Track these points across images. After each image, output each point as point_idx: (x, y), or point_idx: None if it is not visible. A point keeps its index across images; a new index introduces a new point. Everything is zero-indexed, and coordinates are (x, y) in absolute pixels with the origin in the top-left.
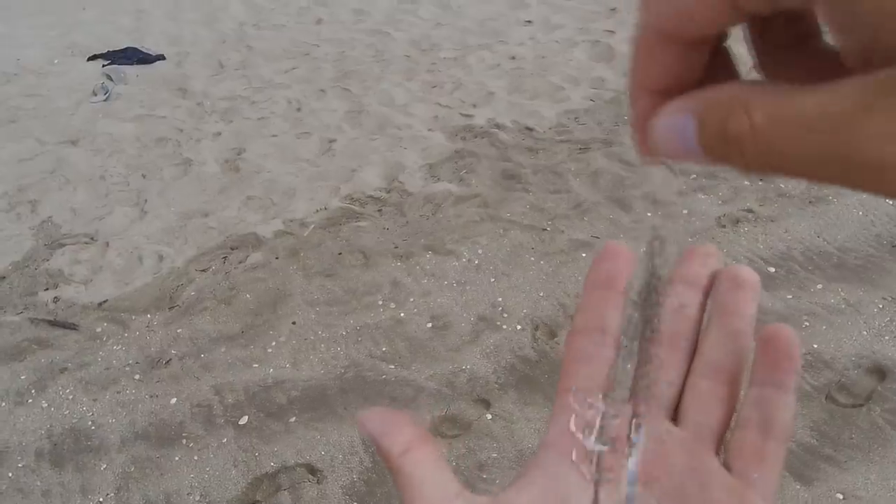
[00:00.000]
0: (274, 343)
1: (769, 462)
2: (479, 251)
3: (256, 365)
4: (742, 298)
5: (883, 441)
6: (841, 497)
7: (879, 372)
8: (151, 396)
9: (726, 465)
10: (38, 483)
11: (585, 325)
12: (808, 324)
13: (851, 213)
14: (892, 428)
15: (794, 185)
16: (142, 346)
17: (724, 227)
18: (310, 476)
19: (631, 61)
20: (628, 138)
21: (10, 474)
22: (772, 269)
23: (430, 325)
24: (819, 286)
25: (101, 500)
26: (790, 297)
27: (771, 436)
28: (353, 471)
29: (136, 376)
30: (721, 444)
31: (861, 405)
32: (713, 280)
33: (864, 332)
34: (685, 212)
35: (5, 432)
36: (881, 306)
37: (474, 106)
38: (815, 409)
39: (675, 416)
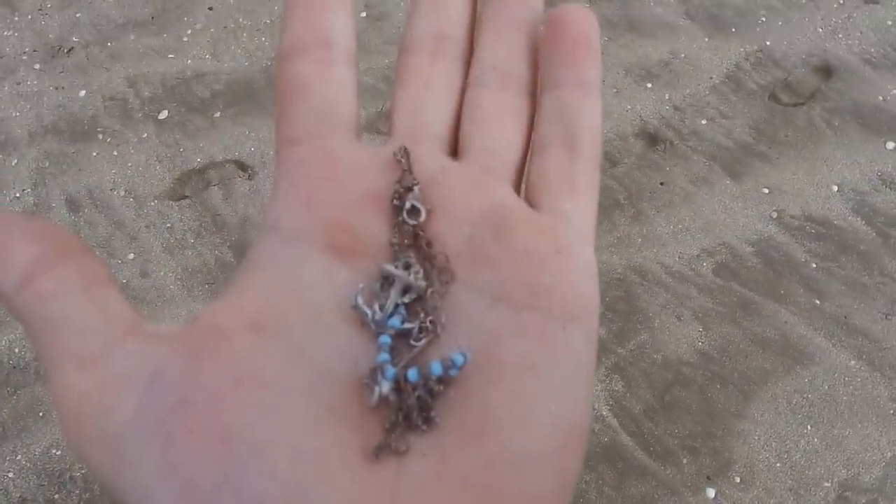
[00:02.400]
0: (190, 31)
1: (582, 187)
2: None
3: (172, 55)
4: None
5: (816, 139)
6: (766, 191)
7: (826, 70)
8: (57, 88)
9: (529, 201)
10: None
11: (300, 41)
12: (764, 19)
13: None
14: (827, 126)
15: None
16: (37, 32)
17: None
18: (240, 172)
19: None
20: None
21: None
22: None
23: (364, 14)
24: None
25: (17, 195)
26: None
27: (579, 153)
28: None
29: (36, 66)
30: (520, 174)
31: (802, 104)
32: None
33: (820, 30)
34: None
35: None
36: (842, 1)
37: None
38: (756, 108)
39: (454, 146)
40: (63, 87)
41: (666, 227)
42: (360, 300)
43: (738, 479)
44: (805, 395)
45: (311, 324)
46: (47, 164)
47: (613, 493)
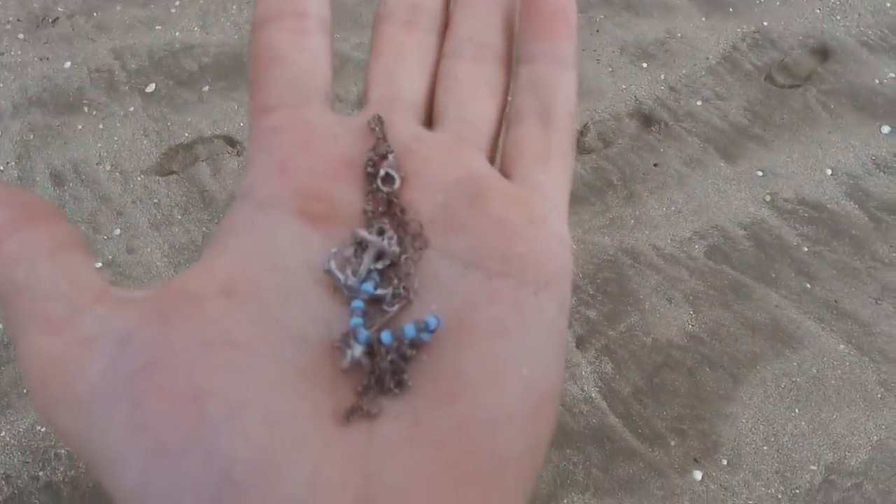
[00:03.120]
0: (178, 2)
1: (555, 159)
2: None
3: (159, 27)
4: None
5: (812, 122)
6: (760, 174)
7: (823, 52)
8: (41, 59)
9: (504, 172)
10: None
11: (275, 9)
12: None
13: None
14: (823, 109)
15: None
16: (21, 1)
17: None
18: (229, 148)
19: None
20: None
21: None
22: None
23: None
24: None
25: (0, 168)
26: None
27: (553, 126)
28: None
29: (20, 36)
30: (494, 144)
31: (798, 86)
32: None
33: (818, 11)
34: None
35: None
36: None
37: None
38: (752, 89)
39: (428, 116)
40: (48, 59)
41: (659, 209)
42: (333, 265)
43: (725, 462)
44: (793, 379)
45: (284, 289)
46: (32, 136)
47: (601, 473)
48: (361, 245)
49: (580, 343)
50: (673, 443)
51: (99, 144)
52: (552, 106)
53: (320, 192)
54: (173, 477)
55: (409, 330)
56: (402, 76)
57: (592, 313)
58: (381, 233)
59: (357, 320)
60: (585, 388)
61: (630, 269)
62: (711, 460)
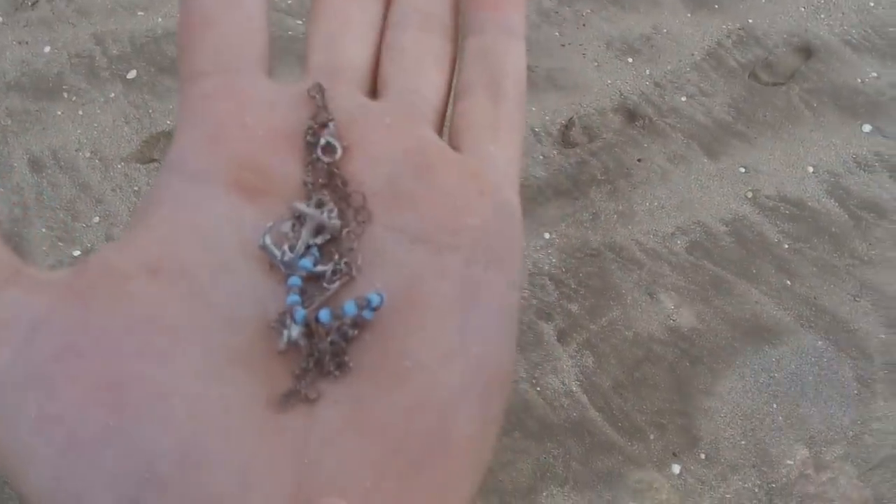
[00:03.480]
0: None
1: (506, 131)
2: None
3: (142, 13)
4: None
5: (794, 119)
6: (743, 170)
7: (807, 51)
8: (20, 43)
9: (453, 145)
10: None
11: None
12: None
13: None
14: (805, 107)
15: None
16: None
17: None
18: None
19: None
20: None
21: None
22: None
23: None
24: None
25: None
26: None
27: (503, 97)
28: None
29: None
30: (442, 117)
31: (782, 84)
32: None
33: (802, 9)
34: None
35: None
36: None
37: None
38: (736, 86)
39: (372, 88)
40: (27, 42)
41: (642, 204)
42: (269, 240)
43: (703, 456)
44: (772, 374)
45: (215, 266)
46: (9, 121)
47: (580, 467)
48: (299, 219)
49: (561, 337)
50: (652, 437)
51: (78, 131)
52: (501, 77)
53: (255, 164)
54: (88, 472)
55: (350, 308)
56: (344, 44)
57: (574, 307)
58: (320, 205)
59: (294, 298)
60: (566, 382)
61: (612, 263)
62: (690, 454)
